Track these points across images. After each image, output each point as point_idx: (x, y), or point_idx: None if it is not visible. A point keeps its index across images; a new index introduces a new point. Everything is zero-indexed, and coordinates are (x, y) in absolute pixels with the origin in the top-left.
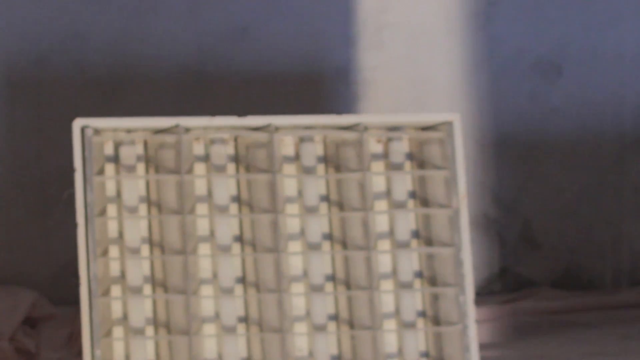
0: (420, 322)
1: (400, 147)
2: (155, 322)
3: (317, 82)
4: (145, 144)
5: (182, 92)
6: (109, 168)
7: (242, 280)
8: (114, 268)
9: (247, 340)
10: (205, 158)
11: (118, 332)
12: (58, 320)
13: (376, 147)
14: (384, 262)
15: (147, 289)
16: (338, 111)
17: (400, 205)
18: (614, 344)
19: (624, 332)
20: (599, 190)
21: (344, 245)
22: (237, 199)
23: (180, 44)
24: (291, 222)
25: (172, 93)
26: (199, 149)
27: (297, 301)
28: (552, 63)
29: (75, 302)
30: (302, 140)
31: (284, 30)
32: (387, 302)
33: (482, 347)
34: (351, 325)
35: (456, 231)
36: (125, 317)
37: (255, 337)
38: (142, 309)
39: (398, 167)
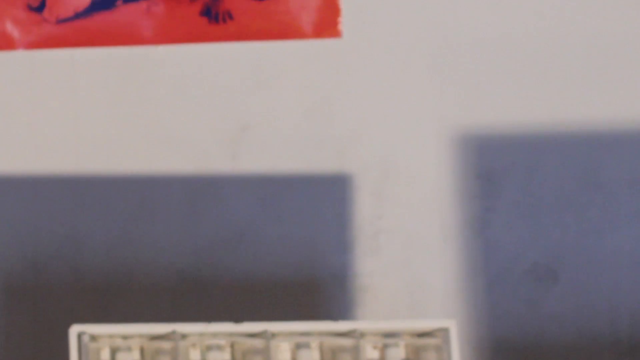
0: None
1: (397, 354)
2: None
3: (313, 288)
4: (142, 350)
5: (178, 297)
6: None
7: None
8: None
9: None
10: None
11: None
12: None
13: (373, 354)
14: None
15: None
16: (334, 317)
17: None
18: None
19: None
20: None
21: None
22: None
23: (177, 250)
24: None
25: (168, 299)
26: (195, 355)
27: None
28: (548, 269)
29: None
30: (298, 346)
31: (280, 236)
32: None
33: None
34: None
35: None
36: None
37: None
38: None
39: None
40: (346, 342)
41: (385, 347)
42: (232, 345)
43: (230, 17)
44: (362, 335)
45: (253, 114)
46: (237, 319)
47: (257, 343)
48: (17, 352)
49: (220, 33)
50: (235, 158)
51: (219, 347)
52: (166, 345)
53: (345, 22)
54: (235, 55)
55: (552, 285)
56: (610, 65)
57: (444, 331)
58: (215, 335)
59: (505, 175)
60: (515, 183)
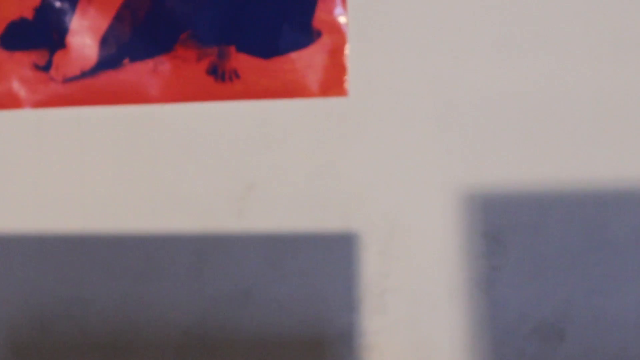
0: None
1: None
2: None
3: (319, 347)
4: None
5: (185, 355)
6: None
7: None
8: None
9: None
10: None
11: None
12: None
13: None
14: None
15: None
16: None
17: None
18: None
19: None
20: None
21: None
22: None
23: (184, 308)
24: None
25: (175, 357)
26: None
27: None
28: (555, 327)
29: None
30: None
31: (286, 294)
32: None
33: None
34: None
35: None
36: None
37: None
38: None
39: None
40: None
41: None
42: None
43: (237, 75)
44: None
45: (259, 172)
46: None
47: None
48: None
49: (227, 92)
50: (241, 216)
51: None
52: None
53: (351, 81)
54: (242, 114)
55: (559, 344)
56: (615, 123)
57: None
58: None
59: (511, 233)
60: (521, 242)
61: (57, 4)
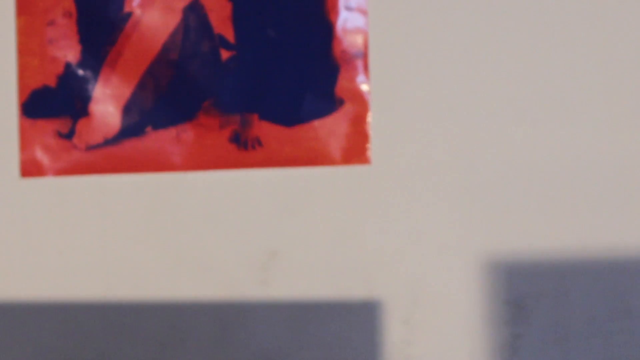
0: None
1: None
2: None
3: None
4: None
5: None
6: None
7: None
8: None
9: None
10: None
11: None
12: None
13: None
14: None
15: None
16: None
17: None
18: None
19: None
20: None
21: None
22: None
23: None
24: None
25: None
26: None
27: None
28: None
29: None
30: None
31: None
32: None
33: None
34: None
35: None
36: None
37: None
38: None
39: None
40: None
41: None
42: None
43: (260, 143)
44: None
45: (282, 240)
46: None
47: None
48: None
49: (250, 159)
50: (264, 284)
51: None
52: None
53: (373, 148)
54: (264, 182)
55: None
56: (638, 190)
57: None
58: None
59: (533, 301)
60: (544, 309)
61: (80, 72)
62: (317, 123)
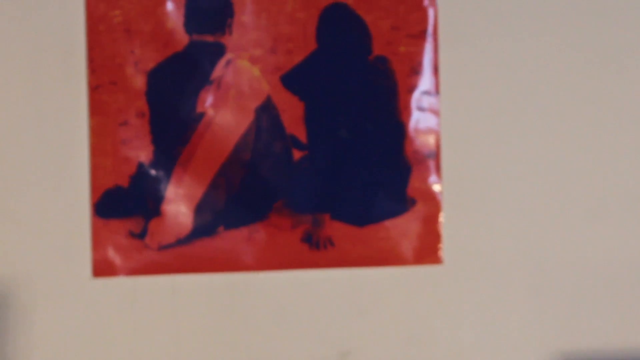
0: None
1: None
2: None
3: None
4: None
5: None
6: None
7: None
8: None
9: None
10: None
11: None
12: None
13: None
14: None
15: None
16: None
17: None
18: None
19: None
20: None
21: None
22: None
23: None
24: None
25: None
26: None
27: None
28: None
29: None
30: None
31: None
32: None
33: None
34: None
35: None
36: None
37: None
38: None
39: None
40: None
41: None
42: None
43: (332, 243)
44: None
45: (354, 340)
46: None
47: None
48: None
49: (321, 259)
50: None
51: None
52: None
53: (445, 248)
54: (336, 281)
55: None
56: None
57: None
58: None
59: None
60: None
61: (153, 172)
62: (388, 223)
